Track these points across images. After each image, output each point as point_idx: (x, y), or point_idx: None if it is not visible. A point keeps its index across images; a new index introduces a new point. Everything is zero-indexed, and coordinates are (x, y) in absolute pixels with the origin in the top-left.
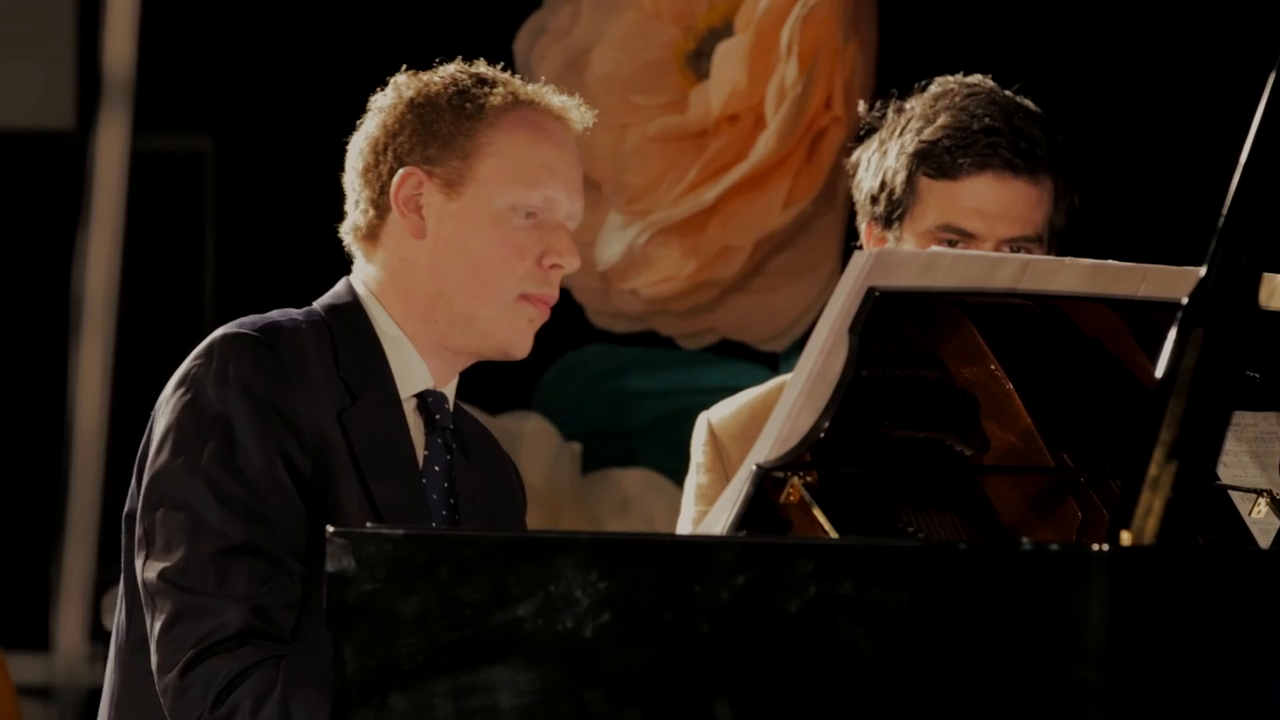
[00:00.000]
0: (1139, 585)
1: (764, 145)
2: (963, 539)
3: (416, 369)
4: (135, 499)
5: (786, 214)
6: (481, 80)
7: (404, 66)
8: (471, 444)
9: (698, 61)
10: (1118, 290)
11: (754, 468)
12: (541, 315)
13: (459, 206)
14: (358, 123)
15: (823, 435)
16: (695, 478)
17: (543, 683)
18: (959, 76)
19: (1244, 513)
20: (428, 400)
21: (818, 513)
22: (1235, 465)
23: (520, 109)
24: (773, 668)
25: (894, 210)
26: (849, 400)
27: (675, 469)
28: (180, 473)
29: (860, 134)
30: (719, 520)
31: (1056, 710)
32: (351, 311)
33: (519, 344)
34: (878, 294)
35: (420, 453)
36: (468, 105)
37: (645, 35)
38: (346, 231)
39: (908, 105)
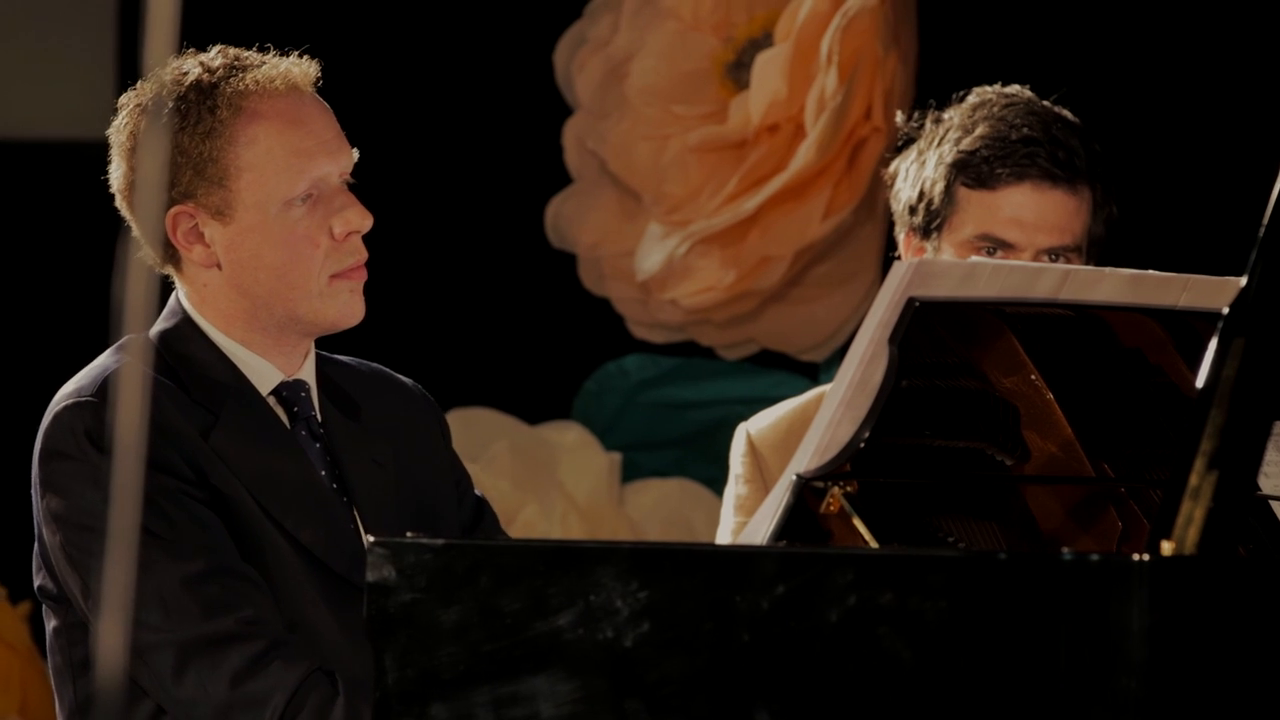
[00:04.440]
0: (1180, 595)
1: (804, 155)
2: (1003, 548)
3: (262, 369)
4: (49, 577)
5: (826, 224)
6: (201, 89)
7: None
8: (362, 401)
9: (737, 72)
10: (1158, 300)
11: (794, 478)
12: (359, 281)
13: (237, 227)
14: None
15: (863, 445)
16: (734, 488)
17: (583, 692)
18: (997, 87)
19: None
20: (283, 394)
21: (858, 522)
22: (1276, 475)
23: (249, 108)
24: (813, 677)
25: (932, 220)
26: (889, 410)
27: (715, 479)
28: (101, 535)
29: (899, 144)
30: (759, 530)
31: None
32: (184, 329)
33: (350, 316)
34: (918, 304)
35: None
36: (200, 128)
37: (685, 46)
38: (148, 264)
39: (946, 116)
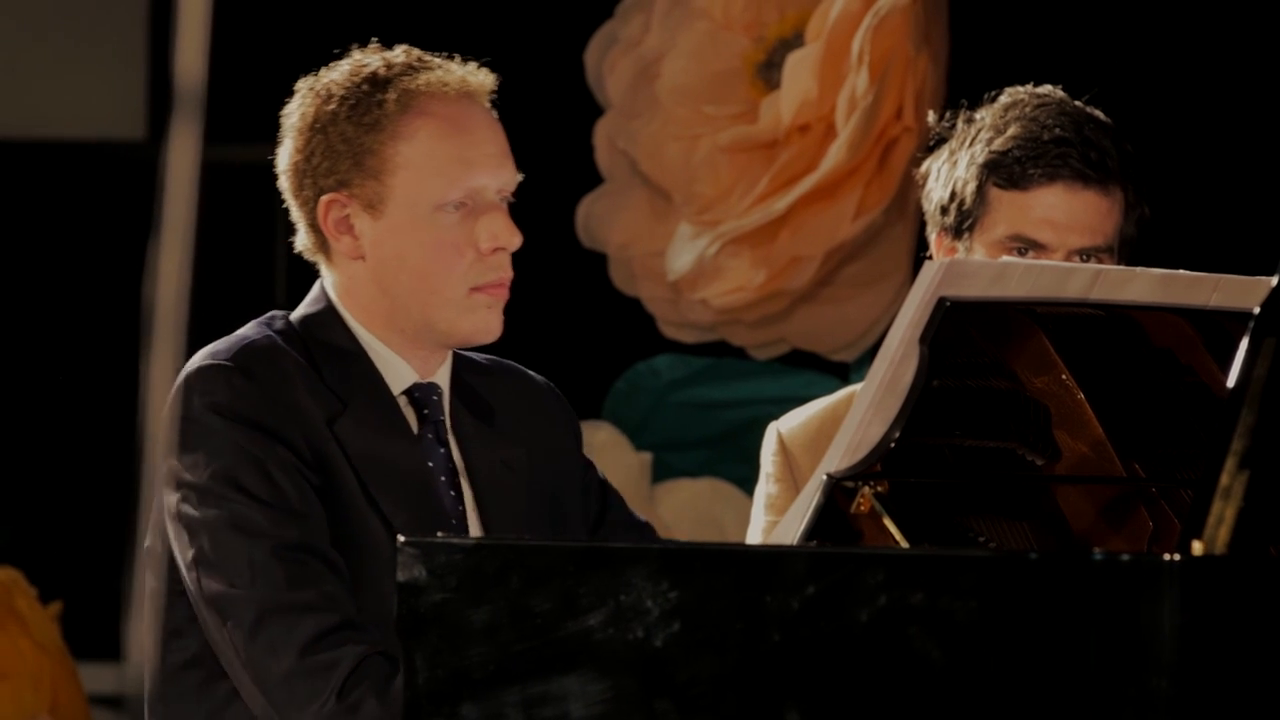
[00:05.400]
0: (1211, 595)
1: (835, 155)
2: (1034, 549)
3: (398, 367)
4: (157, 537)
5: (857, 224)
6: (375, 82)
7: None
8: (496, 403)
9: (768, 72)
10: (1189, 300)
11: (824, 477)
12: (499, 299)
13: (386, 223)
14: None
15: (893, 445)
16: (765, 488)
17: (613, 692)
18: (1029, 87)
19: None
20: (415, 395)
21: (888, 522)
22: None
23: (418, 106)
24: (843, 678)
25: (964, 221)
26: (920, 410)
27: (746, 479)
28: (213, 496)
29: (930, 144)
30: (790, 530)
31: None
32: (327, 317)
33: (486, 332)
34: (949, 304)
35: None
36: (366, 119)
37: (716, 45)
38: (299, 248)
39: (978, 116)
